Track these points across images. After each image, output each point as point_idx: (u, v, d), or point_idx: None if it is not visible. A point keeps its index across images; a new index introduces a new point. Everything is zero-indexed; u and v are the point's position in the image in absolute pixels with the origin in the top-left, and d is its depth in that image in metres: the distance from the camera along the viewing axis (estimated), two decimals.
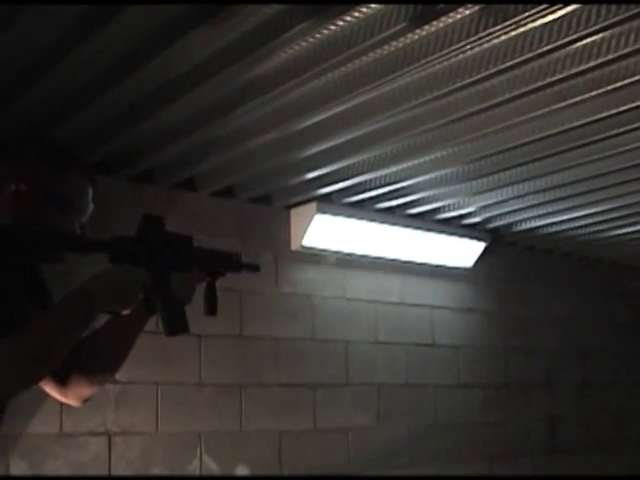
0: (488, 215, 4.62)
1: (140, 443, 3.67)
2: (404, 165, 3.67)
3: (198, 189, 3.94)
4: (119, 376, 3.57)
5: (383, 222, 4.37)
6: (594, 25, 2.39)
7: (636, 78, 2.76)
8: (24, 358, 1.61)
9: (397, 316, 4.72)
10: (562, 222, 4.77)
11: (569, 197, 4.26)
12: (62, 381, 1.95)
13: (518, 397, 5.25)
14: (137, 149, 3.46)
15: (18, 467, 3.32)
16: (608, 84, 2.81)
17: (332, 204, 4.17)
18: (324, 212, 4.16)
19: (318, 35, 2.46)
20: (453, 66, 2.73)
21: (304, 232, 4.21)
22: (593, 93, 2.87)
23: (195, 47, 2.51)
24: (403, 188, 4.02)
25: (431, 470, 4.68)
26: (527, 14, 2.33)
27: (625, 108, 3.02)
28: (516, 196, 4.20)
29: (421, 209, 4.38)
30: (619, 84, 2.80)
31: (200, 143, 3.38)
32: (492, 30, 2.41)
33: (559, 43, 2.50)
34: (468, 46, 2.51)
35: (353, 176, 3.77)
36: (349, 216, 4.24)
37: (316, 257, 4.37)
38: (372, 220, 4.33)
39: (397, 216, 4.43)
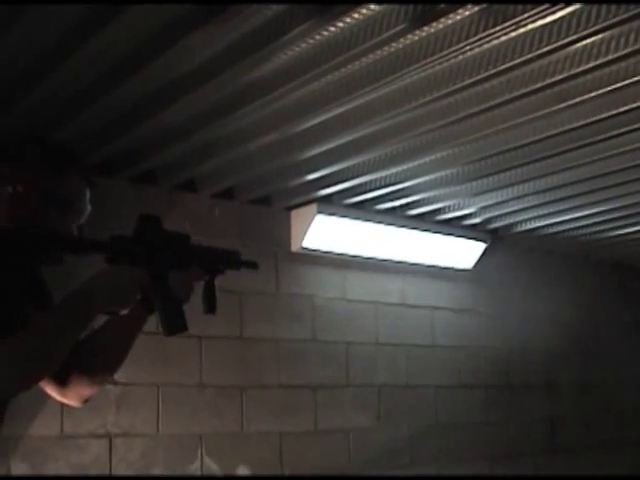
0: (488, 216, 4.62)
1: (141, 445, 3.67)
2: (404, 166, 3.67)
3: (198, 190, 3.95)
4: (120, 378, 3.57)
5: (383, 223, 4.37)
6: (594, 26, 2.39)
7: (636, 79, 2.76)
8: (24, 358, 1.62)
9: (398, 317, 4.72)
10: (562, 223, 4.77)
11: (569, 198, 4.26)
12: (62, 382, 1.95)
13: (519, 397, 5.25)
14: (138, 150, 3.46)
15: (19, 469, 3.32)
16: (608, 85, 2.82)
17: (332, 205, 4.17)
18: (324, 213, 4.16)
19: (318, 37, 2.46)
20: (453, 67, 2.73)
21: (304, 233, 4.21)
22: (593, 94, 2.88)
23: (196, 48, 2.52)
24: (403, 189, 4.02)
25: (432, 470, 4.68)
26: (527, 15, 2.33)
27: (625, 109, 3.02)
28: (516, 197, 4.21)
29: (421, 210, 4.38)
30: (619, 85, 2.80)
31: (201, 144, 3.38)
32: (492, 31, 2.41)
33: (559, 44, 2.50)
34: (468, 47, 2.51)
35: (353, 177, 3.77)
36: (349, 217, 4.24)
37: (316, 258, 4.37)
38: (372, 221, 4.33)
39: (397, 217, 4.43)
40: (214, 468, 3.87)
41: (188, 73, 2.72)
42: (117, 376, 3.56)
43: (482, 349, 5.08)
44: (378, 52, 2.57)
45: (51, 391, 1.98)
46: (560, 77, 2.74)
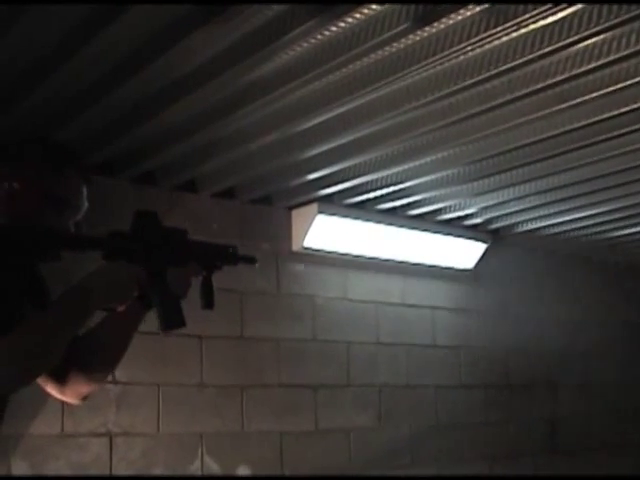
0: (489, 216, 4.62)
1: (141, 444, 3.67)
2: (405, 166, 3.67)
3: (199, 190, 3.95)
4: (120, 377, 3.58)
5: (384, 223, 4.37)
6: (595, 26, 2.39)
7: (637, 79, 2.76)
8: (23, 354, 1.63)
9: (398, 317, 4.72)
10: (563, 223, 4.77)
11: (570, 198, 4.26)
12: (61, 379, 1.95)
13: (519, 397, 5.25)
14: (139, 150, 3.46)
15: (19, 468, 3.32)
16: (609, 85, 2.82)
17: (333, 205, 4.17)
18: (325, 213, 4.16)
19: (319, 36, 2.46)
20: (454, 67, 2.73)
21: (305, 233, 4.21)
22: (594, 94, 2.88)
23: (197, 48, 2.52)
24: (404, 189, 4.02)
25: (432, 470, 4.68)
26: (528, 15, 2.34)
27: (626, 109, 3.02)
28: (517, 197, 4.21)
29: (422, 210, 4.38)
30: (620, 85, 2.80)
31: (202, 144, 3.38)
32: (493, 31, 2.42)
33: (560, 44, 2.50)
34: (469, 47, 2.51)
35: (354, 177, 3.77)
36: (350, 217, 4.24)
37: (317, 258, 4.37)
38: (373, 221, 4.33)
39: (398, 217, 4.43)
40: (214, 468, 3.87)
41: (189, 73, 2.73)
42: (118, 375, 3.57)
43: (483, 349, 5.08)
44: (379, 52, 2.57)
45: (50, 389, 1.99)
46: (561, 78, 2.74)
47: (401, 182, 3.89)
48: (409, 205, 4.31)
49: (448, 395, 4.87)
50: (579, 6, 2.33)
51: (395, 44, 2.52)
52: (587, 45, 2.58)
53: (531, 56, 2.58)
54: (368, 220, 4.31)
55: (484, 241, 4.87)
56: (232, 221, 4.09)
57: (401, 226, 4.45)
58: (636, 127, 3.21)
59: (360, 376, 4.49)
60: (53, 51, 2.54)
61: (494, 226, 4.81)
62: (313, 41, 2.49)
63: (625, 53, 2.56)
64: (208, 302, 2.02)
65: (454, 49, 2.51)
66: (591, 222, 4.75)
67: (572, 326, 5.56)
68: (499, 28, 2.40)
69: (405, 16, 2.35)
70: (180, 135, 3.26)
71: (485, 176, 3.89)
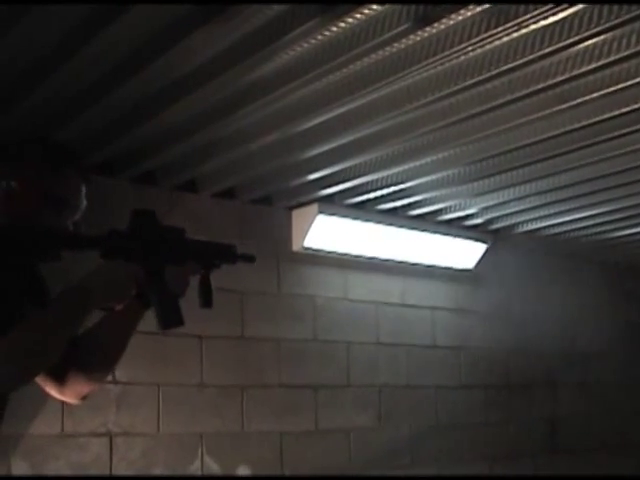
0: (490, 216, 4.62)
1: (141, 444, 3.67)
2: (406, 166, 3.67)
3: (199, 190, 3.95)
4: (120, 377, 3.58)
5: (385, 223, 4.37)
6: (596, 27, 2.39)
7: (638, 80, 2.76)
8: (23, 353, 1.64)
9: (398, 317, 4.72)
10: (564, 224, 4.77)
11: (571, 199, 4.26)
12: (60, 379, 1.96)
13: (519, 398, 5.25)
14: (139, 150, 3.46)
15: (19, 468, 3.32)
16: (610, 86, 2.82)
17: (334, 205, 4.17)
18: (326, 213, 4.16)
19: (320, 37, 2.46)
20: (455, 68, 2.73)
21: (306, 233, 4.21)
22: (595, 95, 2.88)
23: (197, 48, 2.52)
24: (405, 189, 4.02)
25: (432, 471, 4.68)
26: (529, 16, 2.34)
27: (627, 110, 3.02)
28: (518, 197, 4.20)
29: (423, 210, 4.38)
30: (621, 86, 2.80)
31: (202, 144, 3.38)
32: (494, 32, 2.41)
33: (561, 45, 2.50)
34: (470, 48, 2.51)
35: (355, 177, 3.77)
36: (351, 217, 4.24)
37: (318, 258, 4.37)
38: (374, 221, 4.33)
39: (399, 217, 4.43)
40: (214, 468, 3.87)
41: (189, 73, 2.72)
42: (118, 375, 3.57)
43: (483, 349, 5.08)
44: (380, 52, 2.57)
45: (49, 389, 1.99)
46: (562, 78, 2.74)
47: (401, 182, 3.89)
48: (409, 205, 4.31)
49: (448, 395, 4.87)
50: (579, 7, 2.33)
51: (396, 44, 2.52)
52: (587, 45, 2.58)
53: (531, 56, 2.57)
54: (368, 220, 4.31)
55: (484, 241, 4.87)
56: (232, 221, 4.08)
57: (401, 226, 4.45)
58: (636, 127, 3.21)
59: (360, 376, 4.49)
60: (53, 51, 2.54)
61: (494, 226, 4.80)
62: (313, 41, 2.49)
63: (625, 54, 2.56)
64: (207, 301, 2.01)
65: (454, 49, 2.51)
66: (591, 222, 4.75)
67: (572, 326, 5.56)
68: (500, 28, 2.40)
69: (406, 16, 2.35)
70: (180, 135, 3.26)
71: (485, 176, 3.89)
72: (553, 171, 3.82)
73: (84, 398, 2.03)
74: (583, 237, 5.10)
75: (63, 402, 2.05)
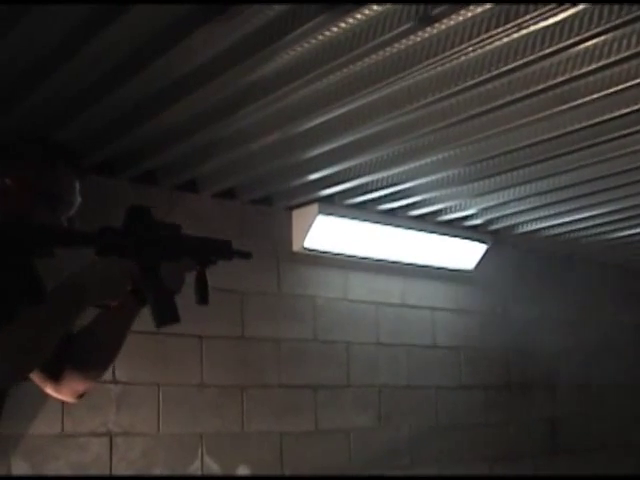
0: (490, 217, 4.62)
1: (141, 444, 3.67)
2: (406, 167, 3.67)
3: (200, 190, 3.95)
4: (120, 377, 3.58)
5: (385, 224, 4.37)
6: (596, 27, 2.39)
7: (638, 81, 2.76)
8: (16, 351, 1.63)
9: (398, 317, 4.72)
10: (564, 224, 4.77)
11: (571, 199, 4.26)
12: (56, 377, 1.95)
13: (519, 398, 5.25)
14: (139, 150, 3.46)
15: (20, 468, 3.32)
16: (610, 87, 2.82)
17: (334, 205, 4.17)
18: (326, 213, 4.16)
19: (320, 37, 2.46)
20: (455, 68, 2.73)
21: (306, 234, 4.21)
22: (595, 96, 2.88)
23: (198, 48, 2.52)
24: (405, 190, 4.02)
25: (432, 471, 4.68)
26: (529, 17, 2.33)
27: (627, 110, 3.02)
28: (518, 198, 4.21)
29: (423, 211, 4.38)
30: (621, 86, 2.80)
31: (202, 144, 3.38)
32: (494, 32, 2.41)
33: (561, 45, 2.50)
34: (470, 48, 2.51)
35: (355, 178, 3.77)
36: (351, 217, 4.24)
37: (318, 258, 4.37)
38: (374, 222, 4.33)
39: (399, 218, 4.43)
40: (214, 468, 3.87)
41: (190, 73, 2.72)
42: (118, 375, 3.57)
43: (483, 350, 5.08)
44: (380, 53, 2.57)
45: (46, 387, 1.98)
46: (562, 79, 2.74)
47: (402, 183, 3.89)
48: (410, 206, 4.31)
49: (448, 396, 4.87)
50: (580, 7, 2.33)
51: (396, 45, 2.52)
52: (588, 46, 2.58)
53: (532, 57, 2.57)
54: (369, 221, 4.31)
55: (484, 242, 4.87)
56: (233, 221, 4.08)
57: (402, 227, 4.45)
58: (637, 128, 3.21)
59: (360, 376, 4.49)
60: (53, 51, 2.54)
61: (494, 227, 4.80)
62: (314, 41, 2.49)
63: (626, 54, 2.56)
64: (202, 297, 1.99)
65: (455, 50, 2.51)
66: (591, 223, 4.75)
67: (572, 327, 5.56)
68: (500, 29, 2.40)
69: (406, 17, 2.35)
70: (181, 135, 3.26)
71: (486, 177, 3.89)
72: (553, 172, 3.82)
73: (81, 396, 2.02)
74: (583, 238, 5.10)
75: (63, 402, 2.05)
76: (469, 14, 2.36)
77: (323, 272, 4.43)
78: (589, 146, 3.43)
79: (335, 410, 4.36)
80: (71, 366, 1.94)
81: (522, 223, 4.76)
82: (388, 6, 2.33)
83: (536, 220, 4.68)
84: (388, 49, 2.54)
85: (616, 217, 4.63)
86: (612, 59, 2.59)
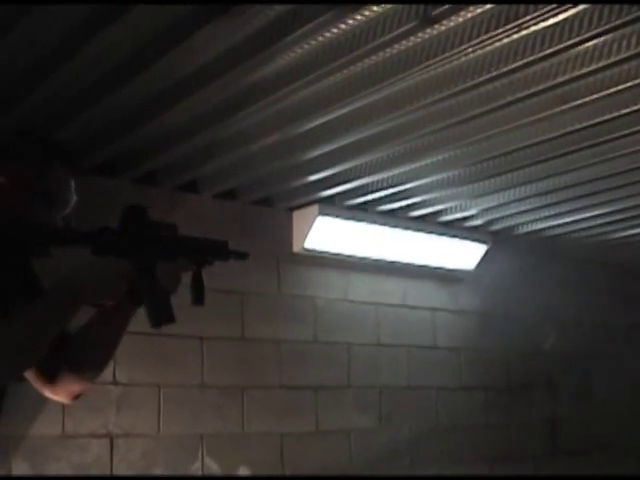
0: (490, 217, 4.62)
1: (142, 445, 3.67)
2: (406, 167, 3.67)
3: (200, 191, 3.95)
4: (121, 378, 3.58)
5: (385, 224, 4.37)
6: (596, 28, 2.39)
7: (638, 81, 2.76)
8: (11, 349, 1.63)
9: (399, 318, 4.72)
10: (564, 225, 4.77)
11: (571, 199, 4.26)
12: (52, 378, 1.94)
13: (520, 399, 5.25)
14: (140, 150, 3.46)
15: (20, 469, 3.32)
16: (611, 87, 2.82)
17: (334, 206, 4.17)
18: (326, 214, 4.16)
19: (321, 38, 2.46)
20: (456, 69, 2.73)
21: (306, 234, 4.21)
22: (595, 96, 2.88)
23: (199, 48, 2.52)
24: (405, 190, 4.02)
25: (432, 472, 4.67)
26: (529, 17, 2.34)
27: (627, 111, 3.02)
28: (518, 198, 4.21)
29: (423, 211, 4.38)
30: (621, 87, 2.81)
31: (203, 145, 3.38)
32: (494, 33, 2.42)
33: (562, 46, 2.50)
34: (471, 49, 2.52)
35: (355, 178, 3.77)
36: (351, 218, 4.24)
37: (318, 259, 4.37)
38: (374, 222, 4.33)
39: (399, 218, 4.43)
40: (215, 468, 3.87)
41: (191, 74, 2.73)
42: (118, 376, 3.57)
43: (483, 351, 5.08)
44: (381, 53, 2.57)
45: (41, 388, 1.97)
46: (563, 79, 2.74)
47: (402, 184, 3.89)
48: (410, 206, 4.31)
49: (448, 397, 4.87)
50: (580, 8, 2.33)
51: (397, 45, 2.52)
52: (588, 47, 2.58)
53: (532, 58, 2.58)
54: (369, 221, 4.31)
55: (485, 242, 4.87)
56: (233, 222, 4.08)
57: (402, 227, 4.45)
58: (637, 129, 3.22)
59: (361, 377, 4.49)
60: (53, 51, 2.54)
61: (495, 227, 4.80)
62: (315, 42, 2.49)
63: (626, 55, 2.56)
64: (198, 297, 1.97)
65: (455, 51, 2.51)
66: (592, 223, 4.75)
67: (573, 327, 5.56)
68: (500, 30, 2.40)
69: (407, 17, 2.35)
70: (182, 136, 3.26)
71: (486, 177, 3.89)
72: (554, 172, 3.82)
73: (77, 397, 2.01)
74: (583, 238, 5.10)
75: (63, 403, 2.04)
76: (469, 15, 2.36)
77: (323, 273, 4.43)
78: (589, 146, 3.43)
79: (336, 411, 4.36)
80: (67, 367, 1.93)
81: (522, 224, 4.76)
82: (388, 7, 2.33)
83: (536, 220, 4.68)
84: (388, 50, 2.55)
85: (616, 217, 4.63)
86: (612, 60, 2.59)
